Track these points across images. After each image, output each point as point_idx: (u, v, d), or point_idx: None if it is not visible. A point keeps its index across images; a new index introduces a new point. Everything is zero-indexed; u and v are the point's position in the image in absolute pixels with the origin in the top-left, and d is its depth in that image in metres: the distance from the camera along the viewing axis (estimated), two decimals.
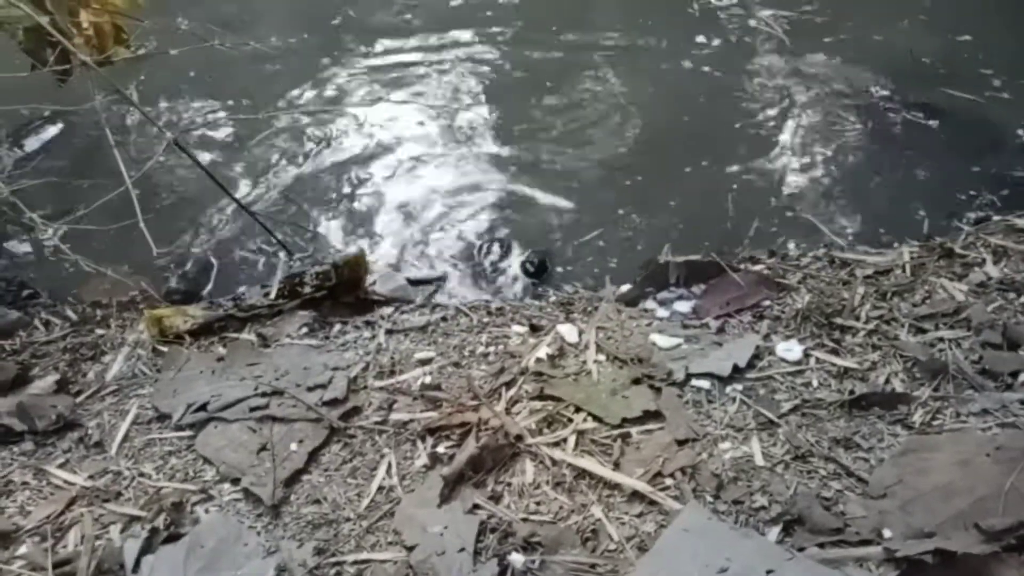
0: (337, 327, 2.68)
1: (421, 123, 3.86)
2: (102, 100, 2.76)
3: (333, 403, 2.32)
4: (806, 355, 2.37)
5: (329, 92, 4.16)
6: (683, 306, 2.68)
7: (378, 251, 3.14)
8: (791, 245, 2.98)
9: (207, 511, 2.08)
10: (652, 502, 1.96)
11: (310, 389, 2.37)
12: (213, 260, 3.16)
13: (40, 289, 3.00)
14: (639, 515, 1.95)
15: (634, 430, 2.16)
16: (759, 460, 2.05)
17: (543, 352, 2.43)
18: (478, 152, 3.64)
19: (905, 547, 1.75)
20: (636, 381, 2.30)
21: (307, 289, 2.77)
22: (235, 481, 2.14)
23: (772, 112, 3.73)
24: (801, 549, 1.80)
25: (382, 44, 4.51)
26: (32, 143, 3.84)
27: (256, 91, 4.16)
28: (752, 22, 4.41)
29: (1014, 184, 3.15)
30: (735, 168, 3.40)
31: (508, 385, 2.34)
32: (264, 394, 2.36)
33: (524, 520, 1.94)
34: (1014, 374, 2.22)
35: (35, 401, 2.41)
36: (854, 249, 2.88)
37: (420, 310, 2.76)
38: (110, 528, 2.05)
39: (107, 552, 1.96)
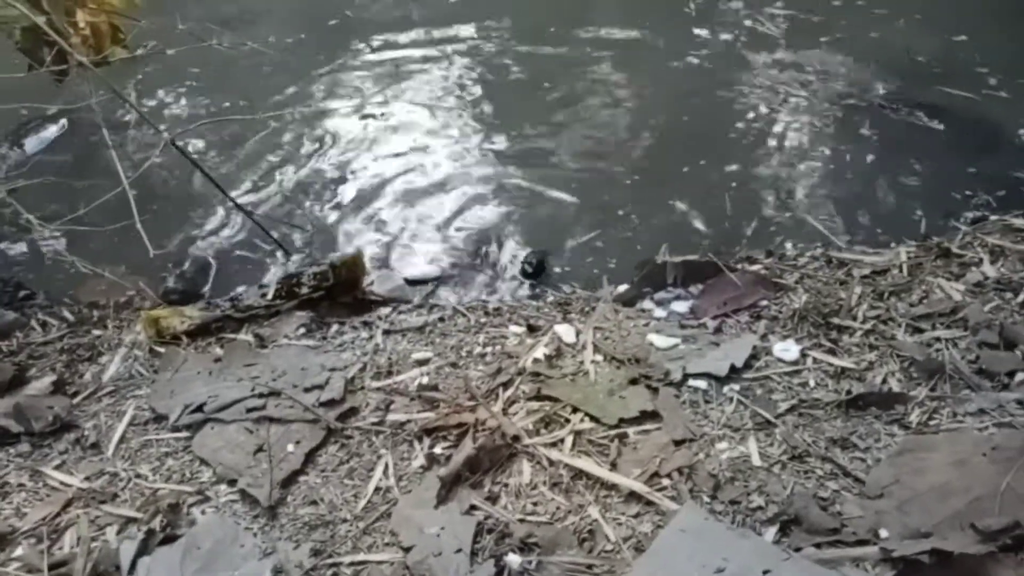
0: (334, 327, 2.68)
1: (419, 123, 3.86)
2: (98, 100, 2.76)
3: (330, 404, 2.32)
4: (803, 355, 2.37)
5: (327, 91, 4.16)
6: (680, 306, 2.68)
7: (375, 251, 3.14)
8: (788, 245, 2.98)
9: (204, 512, 2.08)
10: (649, 502, 1.96)
11: (307, 390, 2.37)
12: (211, 260, 3.16)
13: (37, 290, 2.99)
14: (636, 515, 1.95)
15: (631, 430, 2.16)
16: (756, 460, 2.05)
17: (540, 352, 2.43)
18: (476, 152, 3.64)
19: (902, 547, 1.75)
20: (633, 381, 2.30)
21: (304, 289, 2.77)
22: (232, 482, 2.14)
23: (769, 112, 3.73)
24: (798, 549, 1.80)
25: (380, 43, 4.51)
26: (30, 143, 3.84)
27: (254, 91, 4.16)
28: (748, 21, 4.41)
29: (1011, 184, 3.15)
30: (732, 168, 3.40)
31: (505, 385, 2.34)
32: (261, 395, 2.36)
33: (521, 521, 1.94)
34: (1011, 374, 2.22)
35: (31, 402, 2.40)
36: (851, 249, 2.88)
37: (418, 310, 2.76)
38: (106, 530, 2.05)
39: (103, 554, 1.96)
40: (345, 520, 2.02)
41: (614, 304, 2.67)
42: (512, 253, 3.08)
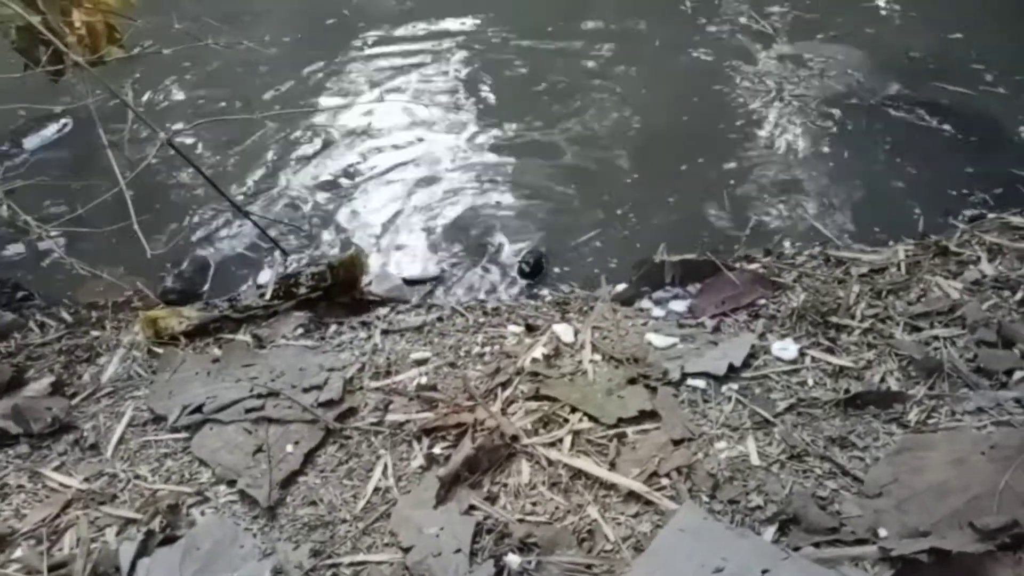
0: (333, 328, 2.68)
1: (417, 121, 3.85)
2: (95, 100, 2.75)
3: (329, 404, 2.32)
4: (801, 354, 2.37)
5: (324, 90, 4.15)
6: (679, 305, 2.68)
7: (374, 251, 3.13)
8: (786, 244, 2.98)
9: (203, 513, 2.08)
10: (648, 502, 1.97)
11: (306, 390, 2.37)
12: (210, 260, 3.15)
13: (35, 291, 2.99)
14: (635, 515, 1.95)
15: (630, 430, 2.16)
16: (755, 459, 2.06)
17: (539, 352, 2.43)
18: (473, 151, 3.64)
19: (900, 546, 1.75)
20: (632, 381, 2.30)
21: (302, 290, 2.76)
22: (231, 483, 2.14)
23: (766, 110, 3.73)
24: (797, 549, 1.80)
25: (378, 41, 4.50)
26: (30, 143, 3.83)
27: (250, 90, 4.15)
28: (744, 19, 4.41)
29: (1009, 182, 3.15)
30: (730, 166, 3.40)
31: (504, 385, 2.34)
32: (260, 395, 2.36)
33: (520, 521, 1.95)
34: (1009, 372, 2.23)
35: (30, 403, 2.40)
36: (849, 247, 2.88)
37: (416, 310, 2.76)
38: (106, 531, 2.05)
39: (103, 555, 1.96)
40: (344, 520, 2.02)
41: (612, 303, 2.68)
42: (510, 252, 3.07)
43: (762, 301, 2.60)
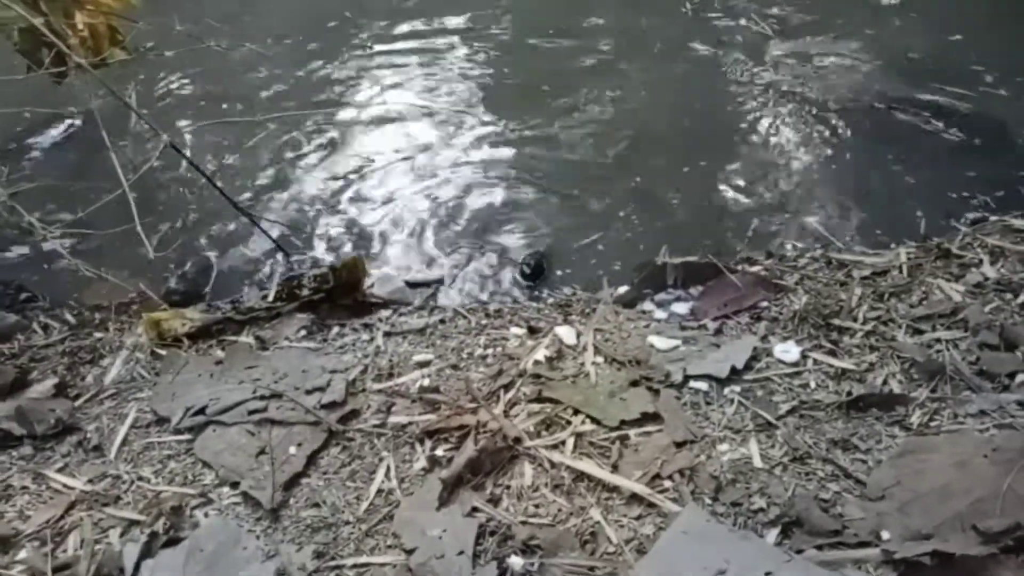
0: (335, 330, 2.68)
1: (418, 125, 3.86)
2: (97, 102, 2.76)
3: (332, 406, 2.32)
4: (804, 356, 2.38)
5: (326, 91, 4.16)
6: (681, 308, 2.68)
7: (376, 253, 3.14)
8: (788, 246, 2.98)
9: (206, 515, 2.08)
10: (651, 504, 1.97)
11: (308, 392, 2.37)
12: (212, 261, 3.16)
13: (39, 292, 2.99)
14: (638, 517, 1.95)
15: (632, 432, 2.17)
16: (757, 462, 2.06)
17: (541, 354, 2.44)
18: (474, 154, 3.64)
19: (903, 549, 1.76)
20: (634, 383, 2.31)
21: (305, 291, 2.77)
22: (234, 485, 2.14)
23: (767, 112, 3.74)
24: (799, 551, 1.81)
25: (379, 42, 4.51)
26: (33, 145, 3.84)
27: (252, 91, 4.16)
28: (744, 21, 4.41)
29: (1011, 184, 3.15)
30: (732, 168, 3.41)
31: (506, 387, 2.34)
32: (263, 397, 2.36)
33: (523, 523, 1.95)
34: (1011, 375, 2.23)
35: (34, 405, 2.41)
36: (851, 250, 2.88)
37: (418, 312, 2.76)
38: (109, 532, 2.05)
39: (107, 556, 1.96)
40: (347, 522, 2.02)
41: (615, 306, 2.68)
42: (511, 254, 3.08)
43: (764, 303, 2.61)
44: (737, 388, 2.28)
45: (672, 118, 3.74)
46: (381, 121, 3.89)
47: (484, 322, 2.67)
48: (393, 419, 2.29)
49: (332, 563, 1.92)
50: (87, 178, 3.29)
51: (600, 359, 2.42)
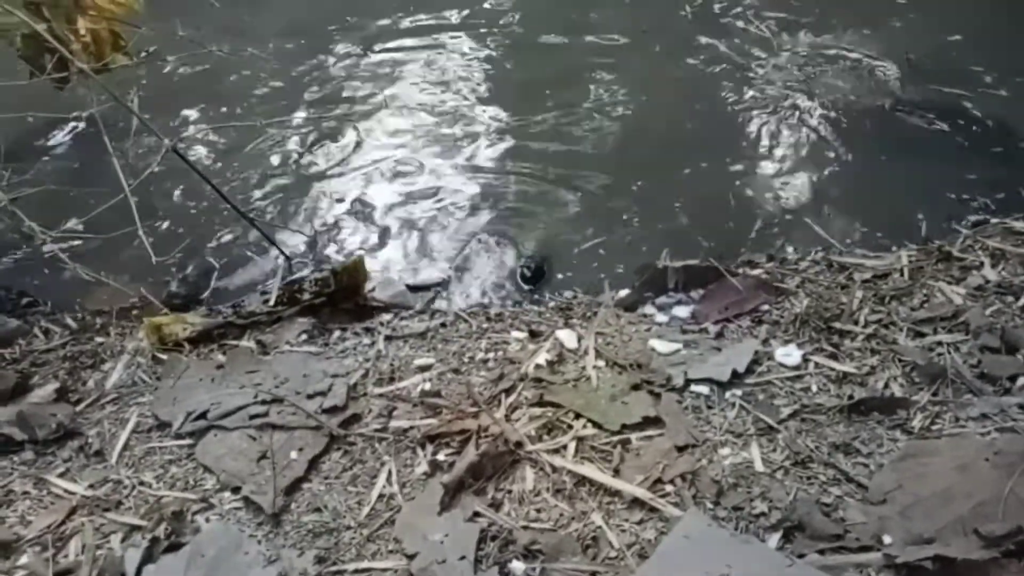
0: (336, 334, 2.68)
1: (419, 125, 3.86)
2: (99, 107, 2.76)
3: (333, 410, 2.32)
4: (805, 360, 2.38)
5: (327, 96, 4.16)
6: (682, 311, 2.68)
7: (377, 257, 3.14)
8: (789, 249, 2.98)
9: (208, 520, 2.08)
10: (652, 509, 1.97)
11: (310, 396, 2.37)
12: (214, 265, 3.16)
13: (40, 297, 3.00)
14: (639, 522, 1.95)
15: (634, 436, 2.17)
16: (759, 466, 2.06)
17: (542, 358, 2.44)
18: (476, 156, 3.64)
19: (905, 553, 1.76)
20: (635, 387, 2.31)
21: (306, 296, 2.77)
22: (235, 489, 2.14)
23: (767, 115, 3.73)
24: (801, 555, 1.81)
25: (380, 47, 4.51)
26: (36, 150, 3.84)
27: (254, 96, 4.16)
28: (743, 24, 4.41)
29: (1011, 187, 3.15)
30: (733, 171, 3.41)
31: (508, 391, 2.34)
32: (264, 402, 2.36)
33: (524, 528, 1.95)
34: (1012, 378, 2.23)
35: (35, 410, 2.41)
36: (852, 253, 2.88)
37: (419, 316, 2.76)
38: (111, 537, 2.05)
39: (108, 562, 1.96)
40: (349, 527, 2.02)
41: (616, 309, 2.68)
42: (513, 258, 3.08)
43: (765, 307, 2.61)
44: (738, 392, 2.28)
45: (671, 121, 3.74)
46: (381, 124, 3.89)
47: (485, 326, 2.67)
48: (394, 423, 2.29)
49: (334, 568, 1.92)
50: (88, 183, 3.29)
51: (601, 363, 2.42)
